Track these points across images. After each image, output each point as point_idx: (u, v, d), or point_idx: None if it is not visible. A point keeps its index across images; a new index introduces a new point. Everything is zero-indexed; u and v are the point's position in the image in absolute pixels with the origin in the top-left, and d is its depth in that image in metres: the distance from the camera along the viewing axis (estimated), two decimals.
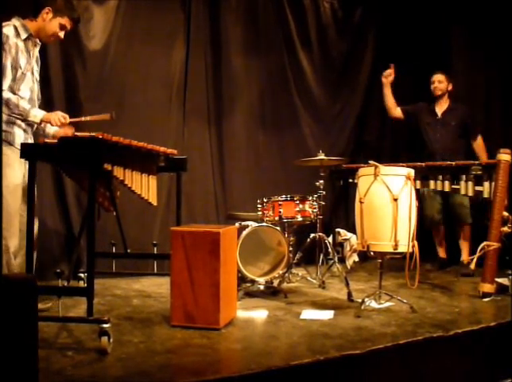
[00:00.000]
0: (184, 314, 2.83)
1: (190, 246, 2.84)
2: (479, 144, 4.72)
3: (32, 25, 3.12)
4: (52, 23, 3.14)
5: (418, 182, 4.21)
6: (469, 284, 4.05)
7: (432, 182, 4.23)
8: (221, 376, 2.17)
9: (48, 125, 3.13)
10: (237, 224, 3.74)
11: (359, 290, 3.80)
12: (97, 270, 2.65)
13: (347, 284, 3.61)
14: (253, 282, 3.68)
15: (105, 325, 2.40)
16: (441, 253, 4.90)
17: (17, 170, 3.00)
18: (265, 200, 3.94)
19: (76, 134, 2.67)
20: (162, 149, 3.28)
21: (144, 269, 4.20)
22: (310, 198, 3.93)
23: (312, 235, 3.92)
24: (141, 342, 2.58)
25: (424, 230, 4.54)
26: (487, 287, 3.58)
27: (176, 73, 4.69)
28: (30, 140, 3.16)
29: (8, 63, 2.96)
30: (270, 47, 5.15)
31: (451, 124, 4.78)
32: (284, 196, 3.88)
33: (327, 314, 3.14)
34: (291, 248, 3.91)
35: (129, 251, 3.65)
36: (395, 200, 3.13)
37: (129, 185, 2.95)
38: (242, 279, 3.65)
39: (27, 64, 3.09)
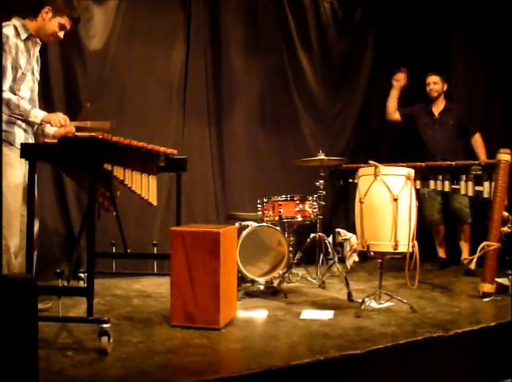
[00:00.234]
0: (184, 314, 2.83)
1: (190, 246, 2.84)
2: (477, 141, 4.72)
3: (32, 24, 3.12)
4: (52, 23, 3.13)
5: (418, 182, 4.21)
6: (469, 284, 4.05)
7: (432, 182, 4.23)
8: (221, 376, 2.17)
9: (48, 125, 3.13)
10: (237, 224, 3.74)
11: (359, 290, 3.80)
12: (97, 270, 2.65)
13: (347, 284, 3.61)
14: (253, 282, 3.68)
15: (105, 325, 2.40)
16: (441, 253, 4.91)
17: (18, 170, 3.00)
18: (265, 200, 3.94)
19: (76, 134, 2.67)
20: (162, 149, 3.28)
21: (144, 269, 4.20)
22: (310, 198, 3.93)
23: (312, 235, 3.92)
24: (141, 342, 2.58)
25: (424, 230, 4.54)
26: (487, 287, 3.58)
27: (176, 73, 4.69)
28: (31, 140, 3.16)
29: (8, 63, 2.95)
30: (270, 47, 5.15)
31: (449, 124, 4.79)
32: (284, 196, 3.88)
33: (327, 314, 3.14)
34: (291, 248, 3.91)
35: (129, 251, 3.65)
36: (395, 200, 3.13)
37: (129, 185, 2.95)
38: (242, 279, 3.65)
39: (27, 64, 3.09)
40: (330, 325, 2.92)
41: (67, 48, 4.12)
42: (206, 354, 2.43)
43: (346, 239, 4.56)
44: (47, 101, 3.92)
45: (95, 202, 2.67)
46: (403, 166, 3.68)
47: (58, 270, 2.54)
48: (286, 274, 3.88)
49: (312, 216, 3.91)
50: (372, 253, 3.27)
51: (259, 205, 3.98)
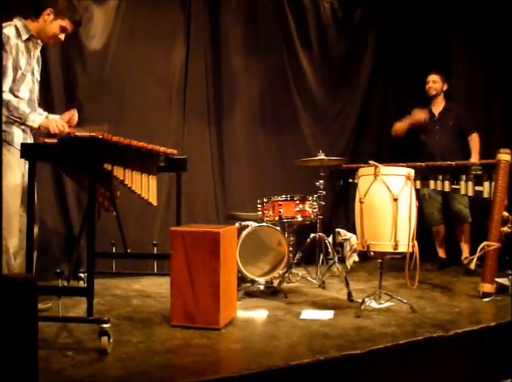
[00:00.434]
0: (184, 314, 2.83)
1: (190, 246, 2.84)
2: (472, 140, 4.71)
3: (33, 25, 3.11)
4: (53, 25, 3.13)
5: (418, 182, 4.22)
6: (469, 284, 4.05)
7: (432, 182, 4.23)
8: (221, 376, 2.17)
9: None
10: (237, 224, 3.74)
11: (359, 290, 3.80)
12: (97, 270, 2.65)
13: (347, 284, 3.61)
14: (253, 282, 3.68)
15: (105, 325, 2.40)
16: (441, 253, 4.91)
17: (17, 170, 3.00)
18: (265, 200, 3.94)
19: (76, 134, 2.67)
20: (162, 149, 3.28)
21: (144, 269, 4.20)
22: (310, 198, 3.93)
23: (312, 235, 3.92)
24: (141, 342, 2.58)
25: (424, 230, 4.54)
26: (487, 287, 3.58)
27: (176, 73, 4.69)
28: (29, 140, 3.15)
29: (9, 64, 2.95)
30: (270, 47, 5.15)
31: (449, 124, 4.80)
32: (284, 196, 3.88)
33: (327, 314, 3.14)
34: (291, 248, 3.91)
35: (129, 251, 3.65)
36: (395, 200, 3.13)
37: (129, 185, 2.95)
38: (242, 279, 3.65)
39: (27, 64, 3.09)
40: (330, 325, 2.92)
41: (67, 48, 4.12)
42: (206, 354, 2.43)
43: (346, 239, 4.56)
44: (47, 101, 3.92)
45: (95, 202, 2.67)
46: (403, 166, 3.68)
47: (58, 270, 2.54)
48: (286, 274, 3.88)
49: (312, 216, 3.91)
50: (372, 253, 3.27)
51: (259, 205, 3.98)
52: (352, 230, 3.98)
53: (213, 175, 4.89)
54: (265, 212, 3.92)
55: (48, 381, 2.05)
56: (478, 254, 3.62)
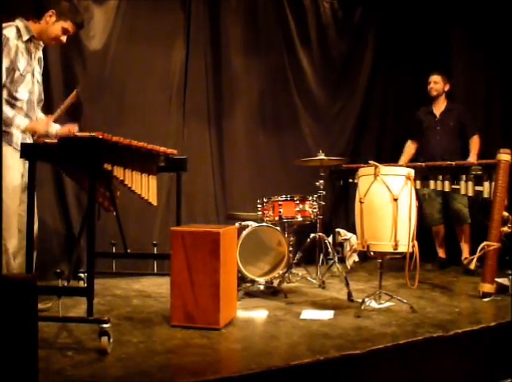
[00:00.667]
0: (184, 314, 2.83)
1: (190, 246, 2.84)
2: (473, 142, 4.71)
3: (35, 26, 3.10)
4: (55, 26, 3.12)
5: (418, 182, 4.21)
6: (469, 284, 4.05)
7: (432, 182, 4.22)
8: (221, 376, 2.17)
9: (52, 125, 3.13)
10: (237, 224, 3.74)
11: (359, 290, 3.80)
12: (97, 270, 2.65)
13: (347, 284, 3.61)
14: (253, 282, 3.68)
15: (105, 325, 2.40)
16: (441, 253, 4.91)
17: (16, 171, 2.99)
18: (265, 200, 3.94)
19: (76, 134, 2.67)
20: (162, 149, 3.28)
21: (144, 269, 4.20)
22: (310, 198, 3.93)
23: (312, 235, 3.92)
24: (141, 342, 2.58)
25: (424, 230, 4.54)
26: (487, 287, 3.58)
27: (176, 73, 4.69)
28: (29, 140, 3.14)
29: (3, 65, 2.93)
30: (270, 47, 5.15)
31: (450, 124, 4.79)
32: (284, 196, 3.88)
33: (327, 314, 3.14)
34: (291, 248, 3.91)
35: (129, 251, 3.65)
36: (395, 200, 3.13)
37: (129, 185, 2.95)
38: (242, 279, 3.65)
39: (27, 65, 3.07)
40: (330, 325, 2.92)
41: (68, 48, 4.11)
42: (206, 354, 2.43)
43: (346, 239, 4.56)
44: (47, 101, 3.91)
45: (95, 202, 2.67)
46: (403, 166, 3.68)
47: (58, 270, 2.54)
48: (286, 274, 3.88)
49: (312, 216, 3.91)
50: (372, 253, 3.27)
51: (259, 205, 3.98)
52: (352, 230, 3.98)
53: (213, 175, 4.89)
54: (265, 212, 3.92)
55: (48, 381, 2.05)
56: (478, 254, 3.62)
